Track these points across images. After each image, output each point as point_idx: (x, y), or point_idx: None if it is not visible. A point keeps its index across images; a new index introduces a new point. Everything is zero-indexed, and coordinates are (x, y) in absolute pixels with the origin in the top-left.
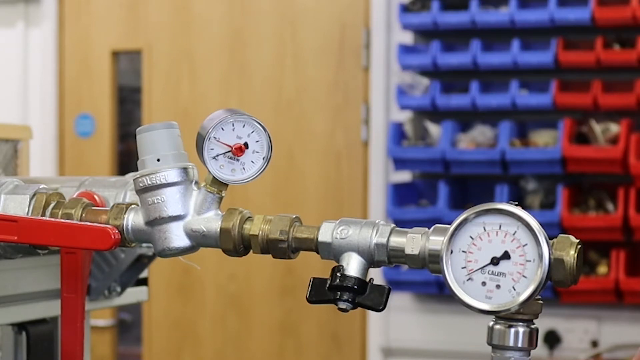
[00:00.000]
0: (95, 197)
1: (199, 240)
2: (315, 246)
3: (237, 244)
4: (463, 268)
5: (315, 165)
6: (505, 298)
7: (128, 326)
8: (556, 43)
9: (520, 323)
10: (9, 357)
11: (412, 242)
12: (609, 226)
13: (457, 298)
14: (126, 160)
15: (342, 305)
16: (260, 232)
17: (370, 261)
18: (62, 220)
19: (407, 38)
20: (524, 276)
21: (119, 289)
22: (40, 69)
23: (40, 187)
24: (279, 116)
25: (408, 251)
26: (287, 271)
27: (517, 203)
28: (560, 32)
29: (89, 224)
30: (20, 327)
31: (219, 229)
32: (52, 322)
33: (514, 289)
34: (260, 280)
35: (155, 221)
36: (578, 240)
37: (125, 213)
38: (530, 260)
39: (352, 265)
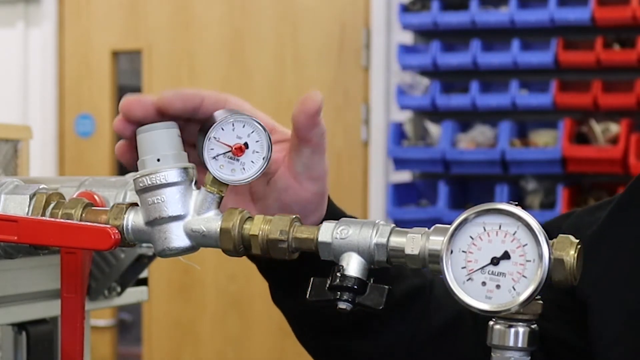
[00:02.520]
0: (95, 197)
1: (199, 240)
2: (315, 246)
3: (237, 244)
4: (463, 268)
5: None
6: (505, 298)
7: (128, 326)
8: (556, 43)
9: (521, 323)
10: (9, 357)
11: (412, 242)
12: None
13: (457, 298)
14: None
15: (342, 305)
16: (260, 232)
17: (370, 261)
18: (62, 220)
19: (407, 38)
20: (524, 276)
21: (119, 289)
22: (40, 69)
23: (40, 187)
24: (279, 116)
25: (408, 251)
26: None
27: (517, 203)
28: (560, 32)
29: (89, 224)
30: (20, 327)
31: (219, 229)
32: (52, 322)
33: (514, 289)
34: (260, 280)
35: (155, 221)
36: (578, 240)
37: (125, 213)
38: (530, 260)
39: (352, 265)
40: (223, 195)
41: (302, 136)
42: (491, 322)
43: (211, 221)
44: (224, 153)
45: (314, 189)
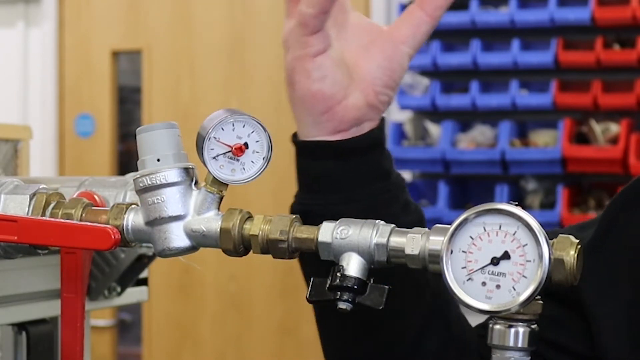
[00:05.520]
0: (95, 197)
1: (199, 240)
2: (315, 246)
3: (237, 244)
4: (463, 268)
5: None
6: (505, 298)
7: (128, 326)
8: (556, 43)
9: (521, 323)
10: (9, 357)
11: (412, 242)
12: None
13: (457, 298)
14: (126, 160)
15: (342, 305)
16: (260, 232)
17: (370, 261)
18: (62, 220)
19: None
20: (524, 276)
21: (119, 289)
22: (40, 69)
23: (40, 187)
24: (279, 116)
25: (408, 251)
26: (287, 271)
27: (517, 203)
28: (560, 32)
29: (89, 224)
30: (20, 327)
31: (219, 229)
32: (52, 322)
33: (514, 289)
34: (260, 280)
35: (155, 221)
36: (578, 240)
37: (125, 213)
38: (530, 261)
39: (352, 265)
40: (223, 195)
41: (431, 12)
42: (491, 322)
43: (211, 221)
44: (224, 153)
45: (406, 64)
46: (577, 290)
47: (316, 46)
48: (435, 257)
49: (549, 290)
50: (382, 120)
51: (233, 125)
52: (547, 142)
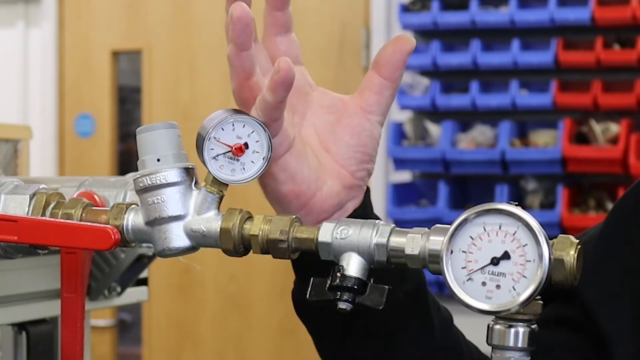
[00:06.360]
0: (95, 197)
1: (199, 241)
2: (315, 246)
3: (237, 244)
4: (463, 268)
5: None
6: (505, 298)
7: (128, 326)
8: (556, 43)
9: (521, 323)
10: (9, 357)
11: (412, 242)
12: None
13: (457, 298)
14: (126, 160)
15: (342, 305)
16: (260, 232)
17: (370, 261)
18: (62, 220)
19: None
20: (524, 276)
21: (119, 289)
22: (40, 69)
23: (40, 187)
24: None
25: (408, 251)
26: (287, 271)
27: (517, 203)
28: (560, 32)
29: (89, 224)
30: (20, 327)
31: (219, 229)
32: (52, 322)
33: (514, 289)
34: (260, 280)
35: (155, 221)
36: (578, 240)
37: (125, 213)
38: (530, 261)
39: (352, 265)
40: (223, 195)
41: (389, 75)
42: (491, 322)
43: (211, 221)
44: (224, 153)
45: (377, 133)
46: (582, 303)
47: (276, 150)
48: (435, 257)
49: (561, 315)
50: (367, 191)
51: (233, 125)
52: (547, 142)
